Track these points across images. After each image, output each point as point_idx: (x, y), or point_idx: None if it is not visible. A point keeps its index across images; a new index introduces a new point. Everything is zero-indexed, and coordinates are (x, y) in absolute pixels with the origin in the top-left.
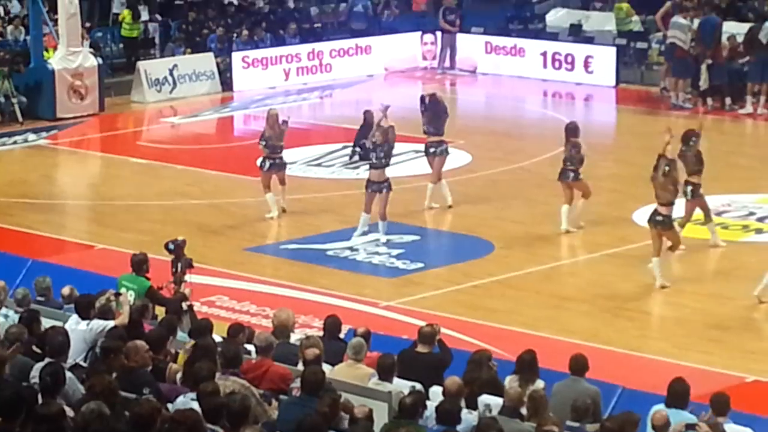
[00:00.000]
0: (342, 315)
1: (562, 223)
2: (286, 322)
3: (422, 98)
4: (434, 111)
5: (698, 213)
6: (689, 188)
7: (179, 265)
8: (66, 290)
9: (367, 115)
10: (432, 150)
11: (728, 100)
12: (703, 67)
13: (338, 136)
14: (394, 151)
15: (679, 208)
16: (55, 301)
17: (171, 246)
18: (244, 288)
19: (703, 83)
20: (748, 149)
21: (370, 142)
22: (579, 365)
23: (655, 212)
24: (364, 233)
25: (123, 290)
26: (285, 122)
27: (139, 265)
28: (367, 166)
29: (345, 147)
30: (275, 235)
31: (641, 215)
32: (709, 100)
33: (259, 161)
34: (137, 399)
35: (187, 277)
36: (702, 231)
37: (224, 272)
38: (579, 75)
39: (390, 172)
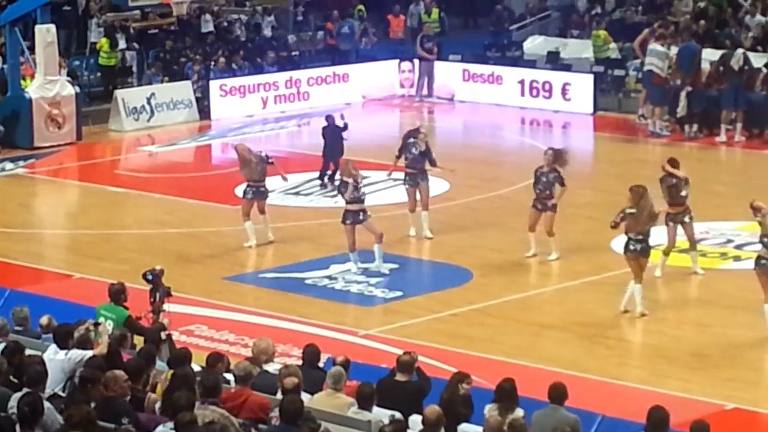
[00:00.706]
0: (321, 344)
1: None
2: (266, 351)
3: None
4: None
5: (681, 240)
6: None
7: (157, 294)
8: (44, 320)
9: (329, 119)
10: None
11: (695, 127)
12: (682, 94)
13: (316, 165)
14: (371, 180)
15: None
16: (33, 331)
17: (149, 276)
18: (222, 317)
19: (681, 110)
20: (725, 177)
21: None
22: (558, 393)
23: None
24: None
25: (101, 320)
26: (269, 159)
27: (117, 294)
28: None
29: (320, 176)
30: (254, 264)
31: (619, 243)
32: (686, 127)
33: (241, 189)
34: (116, 429)
35: (166, 306)
36: (680, 258)
37: (203, 301)
38: (557, 102)
39: (368, 200)
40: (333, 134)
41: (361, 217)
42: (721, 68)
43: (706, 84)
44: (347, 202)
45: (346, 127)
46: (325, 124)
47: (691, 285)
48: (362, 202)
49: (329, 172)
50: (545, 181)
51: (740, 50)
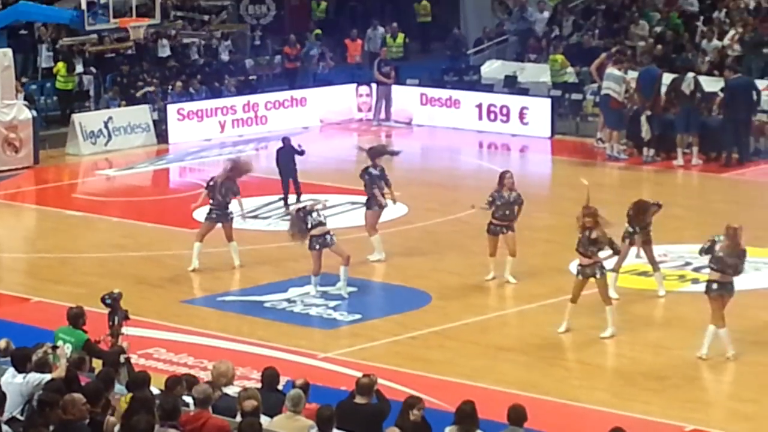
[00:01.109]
0: (280, 366)
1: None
2: (225, 374)
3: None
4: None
5: (641, 263)
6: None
7: (116, 317)
8: (2, 343)
9: (285, 140)
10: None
11: (652, 151)
12: (643, 118)
13: (274, 188)
14: (333, 202)
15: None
16: None
17: (107, 299)
18: (181, 340)
19: (646, 134)
20: (683, 200)
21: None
22: (518, 415)
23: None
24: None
25: (60, 343)
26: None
27: (76, 318)
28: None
29: (281, 199)
30: (212, 287)
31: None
32: (644, 151)
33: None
34: None
35: (124, 330)
36: (639, 281)
37: (161, 324)
38: (514, 126)
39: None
40: (287, 155)
41: (328, 241)
42: (672, 93)
43: (664, 108)
44: (311, 228)
45: (302, 152)
46: (280, 145)
47: (650, 307)
48: (325, 224)
49: (285, 196)
50: (508, 203)
51: (691, 74)
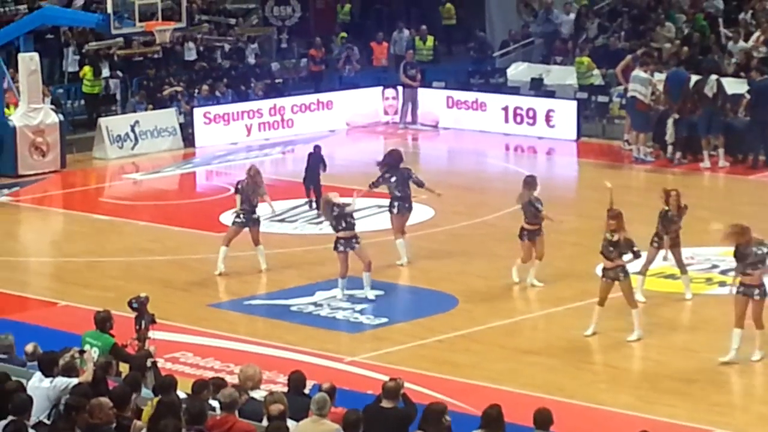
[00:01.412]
0: (306, 370)
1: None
2: (252, 377)
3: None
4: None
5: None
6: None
7: (143, 321)
8: (29, 347)
9: (316, 148)
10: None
11: (679, 153)
12: (670, 121)
13: (301, 192)
14: (359, 205)
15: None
16: (18, 359)
17: (134, 303)
18: (208, 344)
19: (670, 137)
20: (709, 202)
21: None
22: (544, 419)
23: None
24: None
25: (87, 347)
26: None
27: (103, 322)
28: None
29: (309, 202)
30: (239, 291)
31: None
32: (671, 153)
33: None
34: None
35: (151, 334)
36: (666, 284)
37: (188, 328)
38: (540, 129)
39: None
40: (315, 162)
41: (353, 243)
42: (696, 95)
43: (691, 111)
44: (339, 230)
45: (325, 167)
46: (312, 150)
47: (677, 310)
48: (353, 228)
49: (312, 199)
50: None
51: (714, 77)
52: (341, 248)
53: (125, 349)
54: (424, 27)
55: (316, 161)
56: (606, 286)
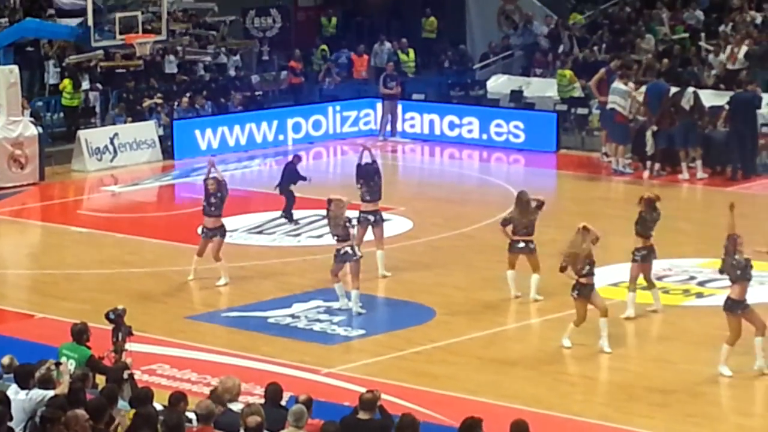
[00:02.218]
0: (283, 382)
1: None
2: (231, 390)
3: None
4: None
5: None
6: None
7: (119, 334)
8: (6, 360)
9: (296, 158)
10: (371, 218)
11: (657, 165)
12: (648, 133)
13: (279, 204)
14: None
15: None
16: None
17: (111, 315)
18: (185, 356)
19: (650, 149)
20: (688, 214)
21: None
22: (520, 430)
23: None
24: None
25: (63, 359)
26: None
27: (80, 334)
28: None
29: (282, 214)
30: (216, 303)
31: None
32: (649, 165)
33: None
34: None
35: (128, 346)
36: (643, 295)
37: (165, 340)
38: (520, 140)
39: (330, 240)
40: (290, 174)
41: (349, 254)
42: (673, 108)
43: (669, 123)
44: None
45: (304, 179)
46: (290, 160)
47: (654, 321)
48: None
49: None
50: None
51: (690, 89)
52: (339, 259)
53: (102, 361)
54: (404, 40)
55: (290, 173)
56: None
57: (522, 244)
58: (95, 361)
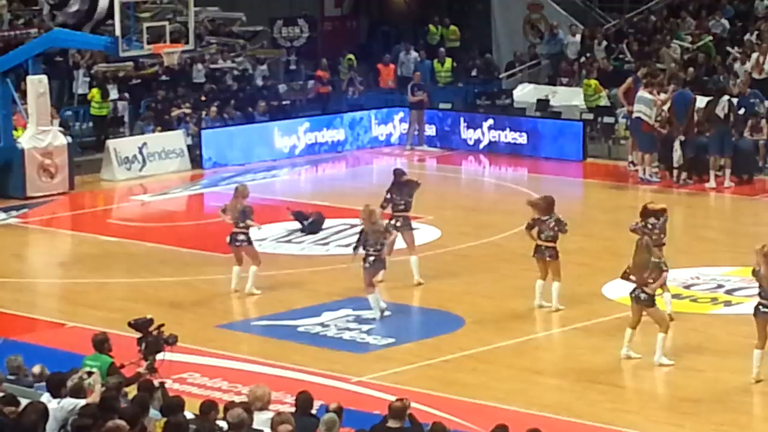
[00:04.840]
0: (313, 391)
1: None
2: (261, 398)
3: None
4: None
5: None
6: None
7: (144, 343)
8: (36, 369)
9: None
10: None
11: (684, 174)
12: (676, 143)
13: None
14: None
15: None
16: (26, 380)
17: (137, 324)
18: (215, 365)
19: (678, 160)
20: (715, 222)
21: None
22: None
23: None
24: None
25: (94, 369)
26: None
27: (101, 344)
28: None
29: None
30: (246, 312)
31: (610, 289)
32: (676, 174)
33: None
34: None
35: (161, 355)
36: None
37: (196, 349)
38: (546, 149)
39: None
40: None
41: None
42: (706, 116)
43: (698, 132)
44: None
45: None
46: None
47: (682, 330)
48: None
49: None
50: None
51: (725, 97)
52: (367, 265)
53: (123, 370)
54: (442, 49)
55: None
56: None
57: (545, 249)
58: (115, 369)
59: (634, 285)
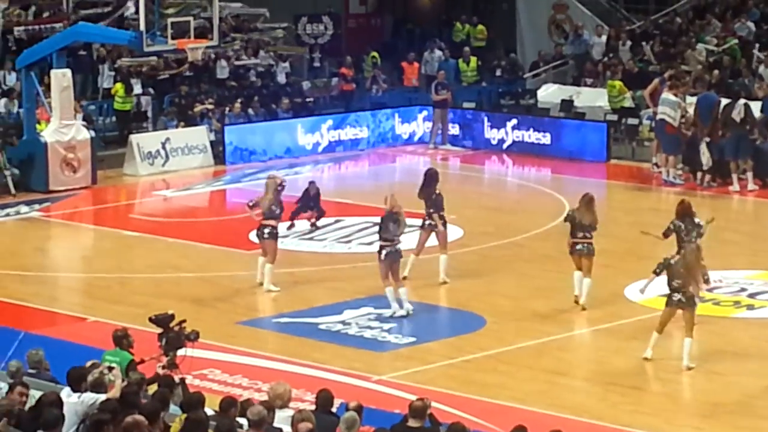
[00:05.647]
0: (334, 389)
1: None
2: (282, 396)
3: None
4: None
5: None
6: None
7: (164, 339)
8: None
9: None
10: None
11: (708, 176)
12: (703, 146)
13: (330, 210)
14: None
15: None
16: (47, 374)
17: (158, 320)
18: (236, 361)
19: (706, 163)
20: (738, 225)
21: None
22: None
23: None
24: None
25: (114, 364)
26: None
27: (120, 340)
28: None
29: (337, 221)
30: (268, 309)
31: (633, 291)
32: (700, 176)
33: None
34: None
35: (183, 351)
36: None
37: (216, 345)
38: (570, 150)
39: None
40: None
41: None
42: (723, 119)
43: (721, 135)
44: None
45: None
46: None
47: (704, 333)
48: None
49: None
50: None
51: (742, 101)
52: (383, 257)
53: (142, 366)
54: (467, 49)
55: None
56: None
57: (580, 246)
58: (134, 366)
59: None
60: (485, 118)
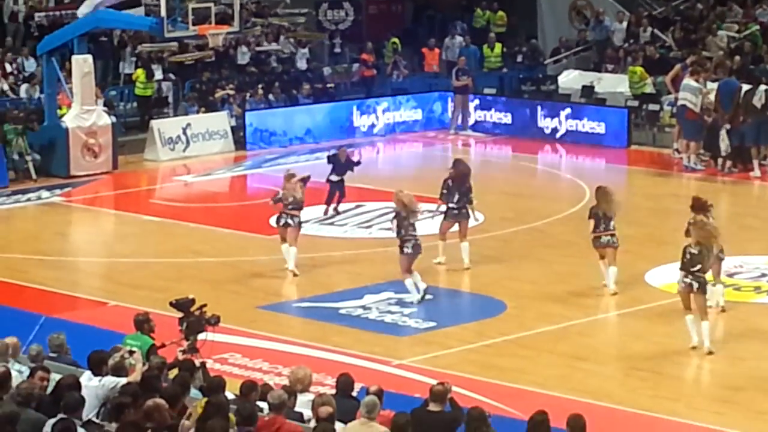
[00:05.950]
0: (354, 373)
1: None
2: (302, 380)
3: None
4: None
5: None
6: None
7: (185, 323)
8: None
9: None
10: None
11: (729, 162)
12: (723, 132)
13: (351, 195)
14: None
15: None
16: (68, 358)
17: (178, 305)
18: (256, 345)
19: (725, 149)
20: (759, 211)
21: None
22: (577, 425)
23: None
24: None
25: (135, 348)
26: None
27: (141, 324)
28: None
29: (358, 206)
30: (288, 294)
31: (653, 276)
32: (721, 162)
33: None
34: None
35: (204, 335)
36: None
37: (237, 330)
38: (590, 136)
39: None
40: (342, 167)
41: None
42: (744, 105)
43: (742, 121)
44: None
45: (358, 163)
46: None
47: (725, 318)
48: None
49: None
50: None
51: (763, 87)
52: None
53: (163, 350)
54: (492, 35)
55: (341, 166)
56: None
57: (604, 238)
58: (154, 350)
59: (681, 273)
60: (505, 104)
